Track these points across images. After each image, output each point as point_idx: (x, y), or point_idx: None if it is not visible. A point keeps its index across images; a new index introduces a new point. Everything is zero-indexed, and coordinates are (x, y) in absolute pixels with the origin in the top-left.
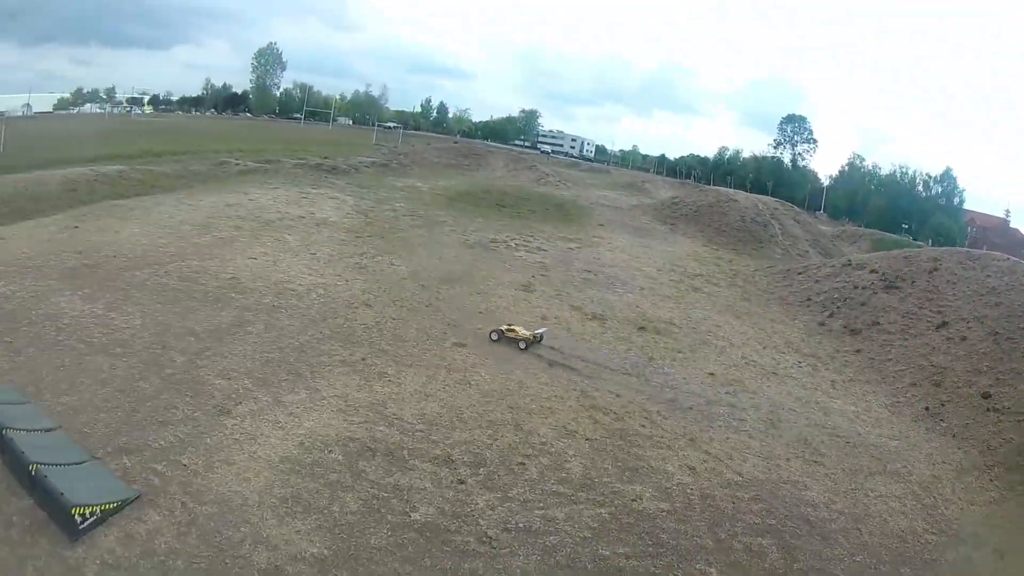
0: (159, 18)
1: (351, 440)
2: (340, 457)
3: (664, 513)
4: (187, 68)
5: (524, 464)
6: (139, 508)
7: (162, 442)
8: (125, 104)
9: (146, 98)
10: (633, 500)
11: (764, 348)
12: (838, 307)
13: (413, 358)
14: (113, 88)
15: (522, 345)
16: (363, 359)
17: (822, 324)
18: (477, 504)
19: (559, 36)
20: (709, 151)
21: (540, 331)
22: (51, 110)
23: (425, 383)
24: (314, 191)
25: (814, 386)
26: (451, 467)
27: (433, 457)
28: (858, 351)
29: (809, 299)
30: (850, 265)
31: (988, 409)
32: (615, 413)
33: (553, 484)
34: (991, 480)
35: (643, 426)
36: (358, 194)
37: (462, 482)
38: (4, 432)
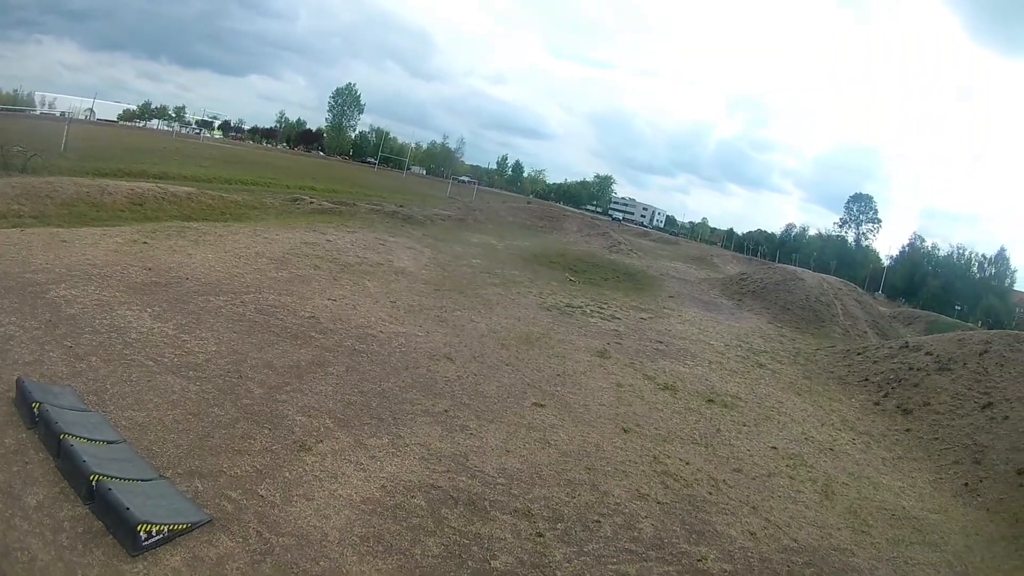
0: (235, 44)
1: (433, 488)
2: (423, 503)
3: (726, 573)
4: (261, 98)
5: (599, 522)
6: (210, 532)
7: (238, 470)
8: (194, 125)
9: (217, 122)
10: (699, 560)
11: (823, 425)
12: (893, 387)
13: (494, 414)
14: (183, 107)
15: None
16: (445, 411)
17: (877, 404)
18: (555, 556)
19: (639, 102)
20: (776, 227)
21: None
22: (116, 119)
23: (506, 439)
24: (391, 239)
25: (866, 462)
26: (530, 520)
27: (513, 510)
28: (908, 430)
29: (866, 379)
30: (907, 347)
31: (1021, 484)
32: (684, 480)
33: (626, 542)
34: (1017, 550)
35: (710, 493)
36: (434, 247)
37: (540, 535)
38: (62, 438)
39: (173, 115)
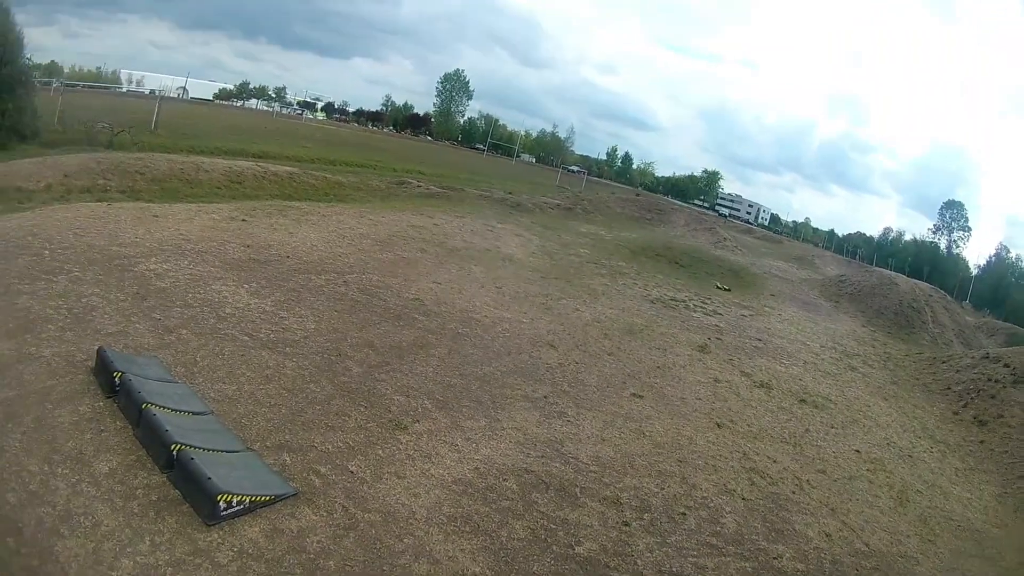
0: (338, 26)
1: (526, 472)
2: (514, 486)
3: (799, 573)
4: (366, 81)
5: (685, 515)
6: (293, 505)
7: (329, 446)
8: (296, 106)
9: (320, 104)
10: (775, 558)
11: (904, 431)
12: (972, 398)
13: (592, 403)
14: (284, 88)
15: None
16: (545, 397)
17: (956, 413)
18: (638, 546)
19: (744, 96)
20: (875, 230)
21: None
22: (211, 98)
23: (602, 428)
24: (499, 225)
25: (940, 471)
26: (618, 509)
27: (603, 498)
28: (982, 442)
29: (948, 388)
30: (988, 358)
31: None
32: (771, 477)
33: (708, 536)
34: None
35: (793, 492)
36: (543, 235)
37: (627, 524)
38: (144, 407)
39: (273, 95)
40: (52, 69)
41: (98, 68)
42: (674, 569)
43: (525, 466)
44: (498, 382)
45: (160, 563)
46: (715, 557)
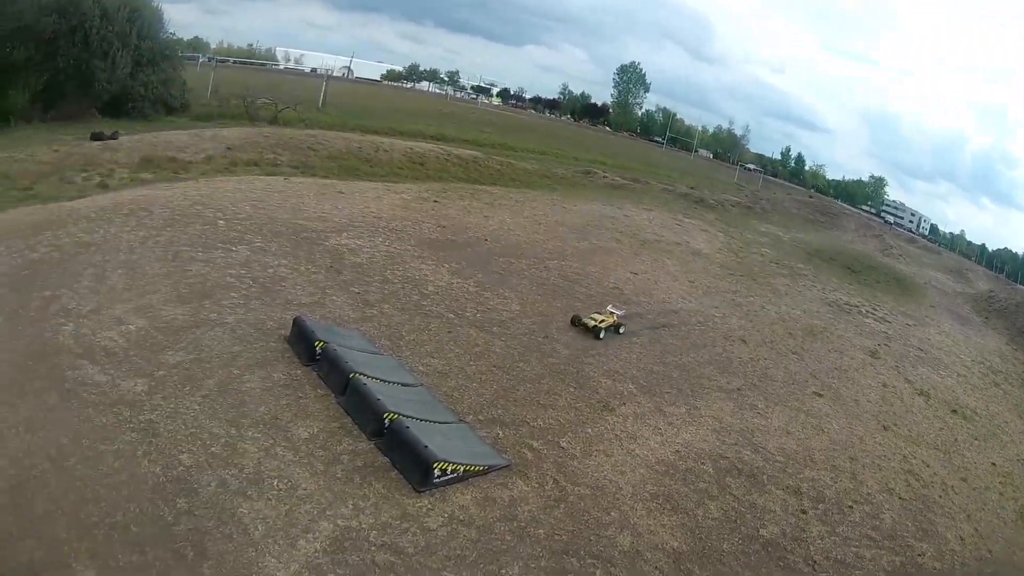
0: (507, 14)
1: (722, 458)
2: (711, 470)
3: (936, 571)
4: (539, 68)
5: (852, 508)
6: (506, 476)
7: (541, 422)
8: (470, 91)
9: (495, 89)
10: (919, 555)
11: None
12: None
13: (779, 398)
14: (457, 72)
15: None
16: (738, 389)
17: None
18: (812, 533)
19: (905, 104)
20: (1021, 247)
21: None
22: (378, 79)
23: (787, 422)
24: (686, 220)
25: None
26: (798, 497)
27: (786, 486)
28: None
29: None
30: None
31: None
32: (923, 480)
33: (868, 529)
34: None
35: (940, 496)
36: (726, 232)
37: (804, 512)
38: (352, 377)
39: (446, 79)
40: (197, 45)
41: (250, 45)
42: (839, 557)
43: (720, 452)
44: (695, 372)
45: (364, 526)
46: (872, 549)
